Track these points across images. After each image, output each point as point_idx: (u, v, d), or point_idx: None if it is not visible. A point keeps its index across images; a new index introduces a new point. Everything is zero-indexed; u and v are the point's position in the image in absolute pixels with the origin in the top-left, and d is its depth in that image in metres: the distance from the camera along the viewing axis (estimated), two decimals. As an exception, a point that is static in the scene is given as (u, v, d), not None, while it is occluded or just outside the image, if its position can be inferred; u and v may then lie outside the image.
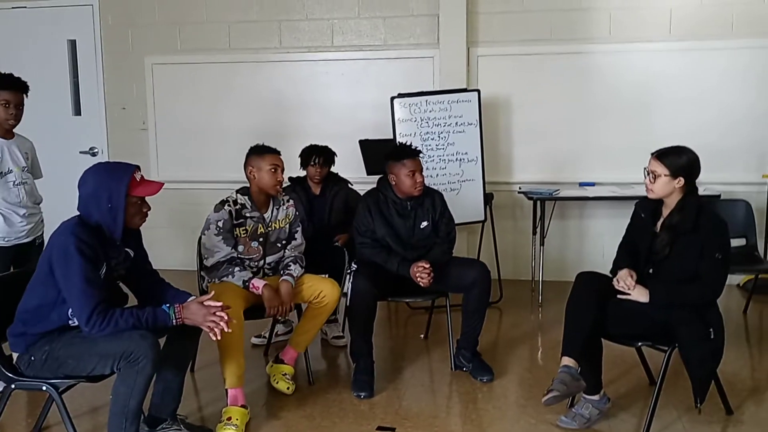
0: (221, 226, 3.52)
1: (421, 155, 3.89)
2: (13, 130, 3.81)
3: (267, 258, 3.68)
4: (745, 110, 5.56)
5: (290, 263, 3.67)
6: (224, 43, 6.17)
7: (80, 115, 6.48)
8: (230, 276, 3.46)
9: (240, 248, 3.59)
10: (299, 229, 3.82)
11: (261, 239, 3.64)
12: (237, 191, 3.68)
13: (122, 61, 6.34)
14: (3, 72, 3.77)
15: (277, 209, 3.72)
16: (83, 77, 6.44)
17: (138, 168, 2.84)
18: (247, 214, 3.60)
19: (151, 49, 6.29)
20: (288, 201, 3.81)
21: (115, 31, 6.32)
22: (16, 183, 3.76)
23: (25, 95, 3.75)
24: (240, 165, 6.17)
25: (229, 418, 3.21)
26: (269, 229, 3.67)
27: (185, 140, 6.32)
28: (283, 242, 3.75)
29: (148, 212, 2.88)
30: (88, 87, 6.44)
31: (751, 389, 3.69)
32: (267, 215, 3.67)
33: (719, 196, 4.96)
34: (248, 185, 3.70)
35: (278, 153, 3.70)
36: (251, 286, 3.45)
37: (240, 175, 6.16)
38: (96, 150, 6.46)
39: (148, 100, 6.35)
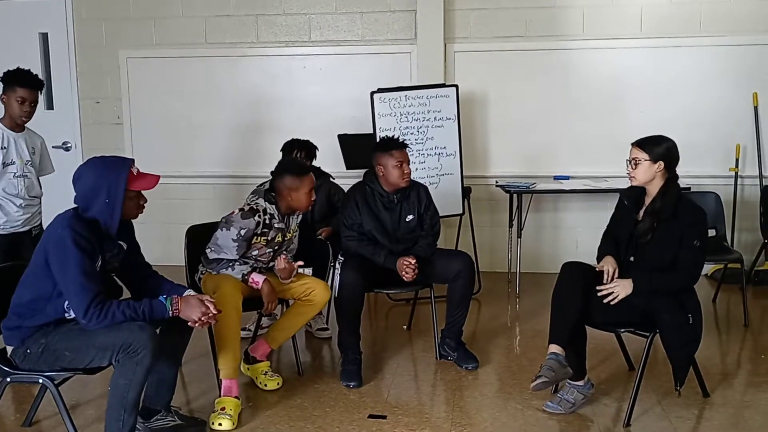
0: (243, 234, 3.49)
1: (408, 148, 3.95)
2: (25, 125, 3.91)
3: (271, 263, 3.71)
4: (712, 105, 5.74)
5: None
6: (200, 38, 6.15)
7: (53, 109, 6.41)
8: (230, 269, 3.48)
9: (254, 252, 3.60)
10: (297, 234, 3.85)
11: (276, 247, 3.66)
12: (262, 198, 3.59)
13: (96, 55, 6.28)
14: (21, 68, 3.86)
15: (292, 219, 3.75)
16: (55, 71, 6.36)
17: (133, 162, 2.86)
18: (276, 225, 3.60)
19: (126, 43, 6.24)
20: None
21: (88, 25, 6.25)
22: (16, 175, 3.85)
23: (39, 92, 3.86)
24: (217, 159, 6.26)
25: (223, 408, 3.24)
26: (286, 238, 3.70)
27: (161, 135, 6.29)
28: (285, 252, 3.77)
29: (145, 204, 2.91)
30: (61, 81, 6.36)
31: (723, 373, 3.84)
32: (285, 225, 3.70)
33: (689, 188, 5.11)
34: (269, 191, 3.63)
35: (310, 171, 3.68)
36: (251, 280, 3.47)
37: (217, 169, 6.24)
38: (69, 144, 6.40)
39: (122, 95, 6.30)
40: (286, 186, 3.57)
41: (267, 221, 3.55)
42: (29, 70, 3.88)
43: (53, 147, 6.25)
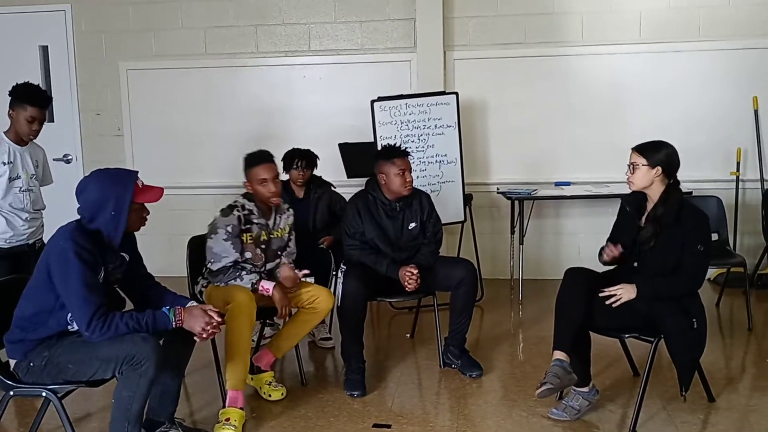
0: (230, 231, 3.50)
1: (410, 156, 3.95)
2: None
3: (267, 265, 3.69)
4: (712, 110, 5.75)
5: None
6: (200, 49, 6.17)
7: (53, 121, 6.39)
8: (238, 279, 3.47)
9: (247, 254, 3.59)
10: (293, 237, 3.83)
11: (263, 246, 3.65)
12: (243, 196, 3.64)
13: (96, 67, 6.30)
14: (30, 83, 3.80)
15: (280, 217, 3.73)
16: (56, 83, 6.38)
17: (138, 174, 2.87)
18: (255, 220, 3.60)
19: (126, 54, 6.26)
20: (288, 209, 3.81)
21: (88, 37, 6.28)
22: (22, 189, 3.81)
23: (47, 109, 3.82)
24: (218, 170, 6.27)
25: (228, 419, 3.23)
26: (272, 236, 3.68)
27: (161, 146, 6.30)
28: (280, 252, 3.75)
29: (148, 216, 2.91)
30: (61, 93, 6.37)
31: (728, 378, 3.83)
32: (270, 222, 3.68)
33: (691, 192, 5.11)
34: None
35: (269, 160, 3.62)
36: (261, 288, 3.46)
37: (218, 180, 6.24)
38: (70, 157, 6.41)
39: (123, 106, 6.32)
40: (246, 182, 3.62)
41: (246, 216, 3.57)
42: (38, 86, 3.83)
43: (54, 159, 6.26)
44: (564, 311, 3.21)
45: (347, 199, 4.29)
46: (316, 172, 4.69)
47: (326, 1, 6.00)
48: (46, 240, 2.98)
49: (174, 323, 2.78)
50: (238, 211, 3.55)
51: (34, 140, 3.90)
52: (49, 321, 2.75)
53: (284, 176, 4.68)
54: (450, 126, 5.28)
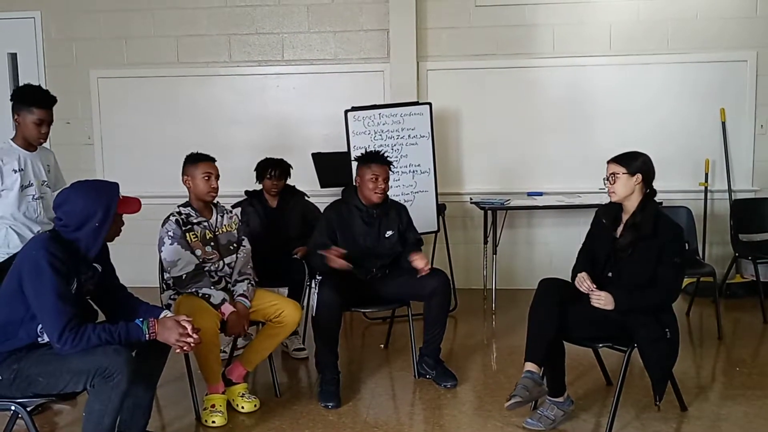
0: (173, 234, 3.55)
1: (391, 167, 3.95)
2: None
3: (225, 259, 3.69)
4: (681, 121, 5.84)
5: (238, 285, 3.66)
6: (172, 57, 6.12)
7: (21, 130, 6.30)
8: (213, 288, 3.51)
9: (198, 252, 3.59)
10: (245, 238, 3.85)
11: (212, 243, 3.66)
12: (179, 206, 3.70)
13: (66, 75, 6.21)
14: (32, 84, 3.64)
15: (221, 216, 3.77)
16: (24, 91, 6.27)
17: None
18: (194, 221, 3.64)
19: (96, 62, 6.20)
20: (231, 212, 3.87)
21: (58, 44, 6.20)
22: (35, 197, 3.62)
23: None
24: (190, 180, 6.18)
25: (213, 406, 3.44)
26: (217, 232, 3.70)
27: (132, 155, 6.23)
28: (235, 245, 3.76)
29: (122, 227, 2.89)
30: (30, 101, 6.27)
31: (699, 386, 3.87)
32: (212, 221, 3.72)
33: (661, 203, 5.16)
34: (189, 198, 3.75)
35: (212, 160, 3.75)
36: (220, 310, 3.47)
37: (189, 189, 6.15)
38: (38, 166, 6.29)
39: (93, 114, 6.24)
40: (185, 176, 3.69)
41: (185, 218, 3.62)
42: (40, 86, 3.67)
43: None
44: (536, 323, 3.22)
45: (321, 209, 4.28)
46: (289, 181, 4.67)
47: (300, 12, 6.00)
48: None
49: (148, 335, 2.74)
50: (174, 216, 3.62)
51: (43, 143, 3.68)
52: (18, 332, 2.69)
53: (257, 186, 4.68)
54: (423, 136, 5.30)
